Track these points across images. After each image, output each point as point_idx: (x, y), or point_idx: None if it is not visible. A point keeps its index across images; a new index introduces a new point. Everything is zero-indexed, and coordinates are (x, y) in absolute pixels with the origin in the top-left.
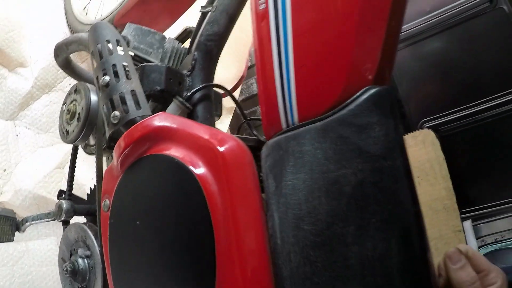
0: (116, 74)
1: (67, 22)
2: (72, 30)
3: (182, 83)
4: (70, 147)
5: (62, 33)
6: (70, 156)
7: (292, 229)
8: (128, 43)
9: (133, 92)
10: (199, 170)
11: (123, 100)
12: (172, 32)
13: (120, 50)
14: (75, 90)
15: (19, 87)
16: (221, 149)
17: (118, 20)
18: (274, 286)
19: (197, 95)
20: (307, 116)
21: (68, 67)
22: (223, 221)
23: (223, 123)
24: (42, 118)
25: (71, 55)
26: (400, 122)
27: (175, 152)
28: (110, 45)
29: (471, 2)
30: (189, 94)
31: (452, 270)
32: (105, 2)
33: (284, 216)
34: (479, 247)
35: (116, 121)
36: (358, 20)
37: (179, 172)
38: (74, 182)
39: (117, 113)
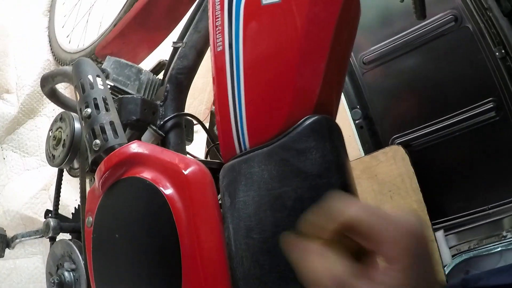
0: (96, 106)
1: (51, 49)
2: (56, 58)
3: (156, 113)
4: (55, 170)
5: (46, 61)
6: (55, 178)
7: (244, 238)
8: (107, 75)
9: (111, 123)
10: (167, 190)
11: (103, 130)
12: (148, 63)
13: (100, 84)
14: (60, 118)
15: (6, 112)
16: (185, 172)
17: (99, 51)
18: (230, 286)
19: (169, 123)
20: (257, 142)
21: (53, 96)
22: (187, 232)
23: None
24: (28, 142)
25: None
26: (340, 146)
27: (147, 174)
28: (91, 80)
29: (438, 22)
30: (161, 122)
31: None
32: (87, 31)
33: (237, 227)
34: (453, 256)
35: (97, 148)
36: (297, 60)
37: (150, 191)
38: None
39: (98, 141)
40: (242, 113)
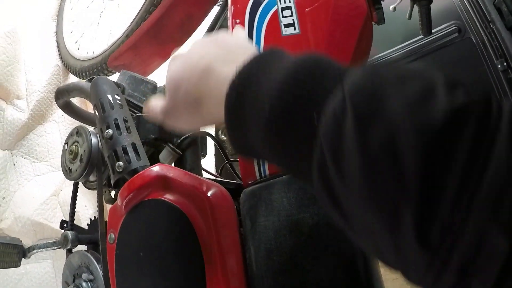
0: (117, 127)
1: (59, 55)
2: (65, 64)
3: (172, 131)
4: (63, 175)
5: (55, 66)
6: (64, 184)
7: (265, 259)
8: (123, 90)
9: (133, 145)
10: (191, 212)
11: (125, 151)
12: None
13: (119, 104)
14: (77, 132)
15: (16, 118)
16: (208, 194)
17: (111, 62)
18: None
19: (186, 141)
20: (276, 170)
21: (68, 107)
22: (210, 252)
23: None
24: (37, 148)
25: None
26: None
27: (171, 197)
28: (111, 99)
29: (441, 32)
30: (179, 141)
31: None
32: (97, 38)
33: (258, 249)
34: None
35: (120, 170)
36: None
37: (175, 214)
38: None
39: (121, 163)
40: None
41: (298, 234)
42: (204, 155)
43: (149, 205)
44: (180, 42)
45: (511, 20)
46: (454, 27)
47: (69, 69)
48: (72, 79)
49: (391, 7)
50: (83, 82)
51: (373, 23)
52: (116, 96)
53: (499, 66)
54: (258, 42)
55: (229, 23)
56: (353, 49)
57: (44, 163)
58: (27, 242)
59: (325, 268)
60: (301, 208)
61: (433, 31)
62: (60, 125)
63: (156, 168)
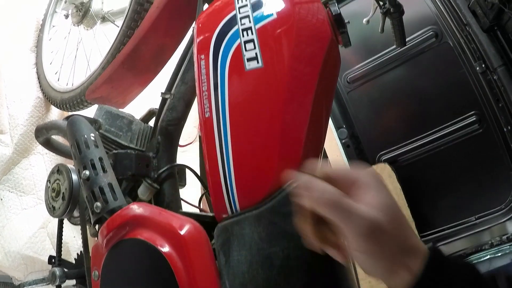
0: (94, 167)
1: (40, 87)
2: (46, 96)
3: (149, 165)
4: None
5: (37, 98)
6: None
7: None
8: (100, 126)
9: (110, 185)
10: (166, 250)
11: (102, 192)
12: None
13: (95, 144)
14: (58, 170)
15: (1, 153)
16: (182, 232)
17: (89, 95)
18: None
19: (163, 175)
20: (246, 205)
21: (48, 144)
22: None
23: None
24: (23, 181)
25: None
26: None
27: (147, 236)
28: (86, 139)
29: (419, 38)
30: (156, 175)
31: (311, 201)
32: (76, 69)
33: (232, 283)
34: None
35: (98, 211)
36: (281, 126)
37: (151, 252)
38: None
39: (98, 204)
40: (231, 178)
41: (270, 268)
42: (183, 186)
43: (127, 244)
44: (155, 71)
45: (487, 22)
46: (431, 33)
47: (50, 101)
48: (54, 110)
49: (364, 20)
50: (60, 121)
51: (340, 45)
52: (91, 136)
53: (477, 68)
54: (222, 79)
55: (194, 58)
56: (317, 77)
57: (31, 196)
58: (18, 276)
59: None
60: (271, 242)
61: (411, 37)
62: (45, 157)
63: (132, 208)
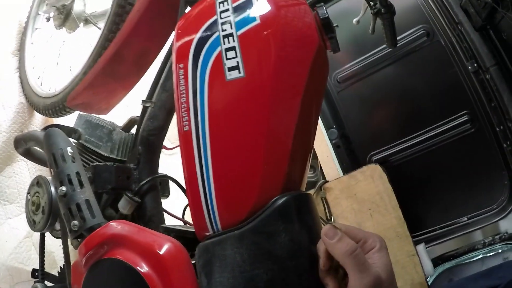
0: (70, 182)
1: (23, 92)
2: (29, 101)
3: (130, 177)
4: None
5: (20, 104)
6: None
7: None
8: (79, 136)
9: (87, 202)
10: (145, 270)
11: (79, 209)
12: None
13: (72, 157)
14: (37, 182)
15: None
16: (161, 252)
17: (70, 102)
18: None
19: (145, 187)
20: (228, 224)
21: (29, 154)
22: None
23: None
24: (7, 190)
25: None
26: (309, 219)
27: (126, 256)
28: (63, 153)
29: (410, 37)
30: (137, 188)
31: (332, 245)
32: (58, 73)
33: None
34: (436, 266)
35: (76, 229)
36: (264, 141)
37: (129, 273)
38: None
39: (76, 222)
40: (212, 196)
41: None
42: (167, 196)
43: (106, 264)
44: (138, 75)
45: (479, 21)
46: (423, 31)
47: (33, 107)
48: (38, 116)
49: (354, 20)
50: (38, 132)
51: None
52: (69, 149)
53: (469, 67)
54: (202, 90)
55: (173, 67)
56: (304, 86)
57: (15, 204)
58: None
59: None
60: (254, 264)
61: (401, 36)
62: (29, 164)
63: (110, 226)
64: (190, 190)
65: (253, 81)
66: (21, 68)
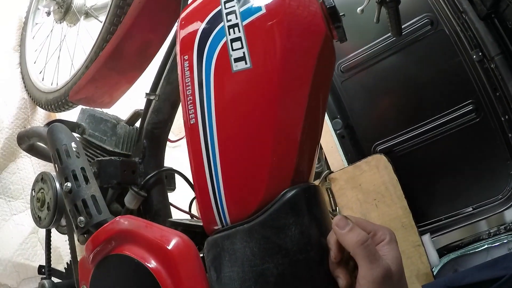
0: (75, 178)
1: (25, 87)
2: (31, 96)
3: (136, 172)
4: None
5: (22, 99)
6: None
7: None
8: (83, 131)
9: (93, 197)
10: (154, 266)
11: (85, 205)
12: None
13: (76, 153)
14: (42, 179)
15: None
16: (169, 247)
17: (73, 96)
18: None
19: (151, 181)
20: (237, 218)
21: (32, 150)
22: None
23: None
24: (11, 186)
25: None
26: (319, 212)
27: (134, 251)
28: (67, 148)
29: (414, 26)
30: (142, 182)
31: (343, 236)
32: (60, 68)
33: None
34: (441, 256)
35: (82, 225)
36: (272, 133)
37: (138, 269)
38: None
39: (82, 218)
40: (220, 189)
41: (264, 285)
42: (173, 189)
43: (113, 261)
44: (141, 68)
45: (484, 9)
46: (427, 20)
47: (35, 102)
48: (40, 112)
49: (358, 10)
50: (41, 128)
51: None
52: (73, 144)
53: (474, 56)
54: (208, 82)
55: (178, 59)
56: (311, 77)
57: (20, 200)
58: (11, 284)
59: None
60: (264, 258)
61: (405, 25)
62: (33, 160)
63: (117, 222)
64: (197, 184)
65: (260, 72)
66: (22, 63)
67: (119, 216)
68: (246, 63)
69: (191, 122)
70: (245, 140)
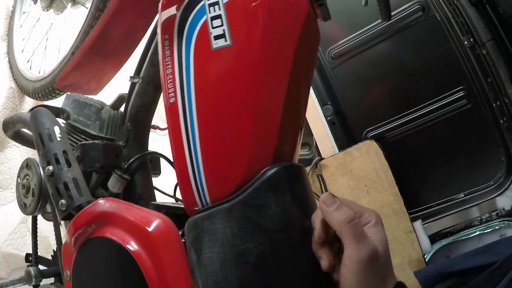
0: (57, 162)
1: (12, 76)
2: (19, 85)
3: (119, 155)
4: None
5: (10, 88)
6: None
7: None
8: (68, 116)
9: (74, 180)
10: (134, 248)
11: (67, 188)
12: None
13: (59, 136)
14: (27, 165)
15: None
16: (149, 229)
17: (59, 83)
18: None
19: (134, 165)
20: (217, 197)
21: (18, 137)
22: None
23: None
24: (0, 176)
25: None
26: (302, 191)
27: (114, 234)
28: (50, 132)
29: (405, 12)
30: (126, 166)
31: (330, 213)
32: (47, 56)
33: (205, 282)
34: (433, 243)
35: (64, 208)
36: (252, 109)
37: (119, 251)
38: (38, 235)
39: (63, 201)
40: (200, 169)
41: (244, 265)
42: (158, 174)
43: (95, 243)
44: (127, 53)
45: None
46: (418, 6)
47: (23, 91)
48: (28, 100)
49: None
50: (25, 114)
51: (319, 19)
52: (55, 128)
53: (466, 42)
54: (187, 60)
55: (159, 39)
56: (293, 54)
57: (9, 190)
58: (1, 274)
59: None
60: (244, 238)
61: (396, 11)
62: (21, 149)
63: (98, 204)
64: (177, 164)
65: (239, 49)
66: (10, 52)
67: (100, 198)
68: (226, 40)
69: (171, 101)
70: (224, 118)
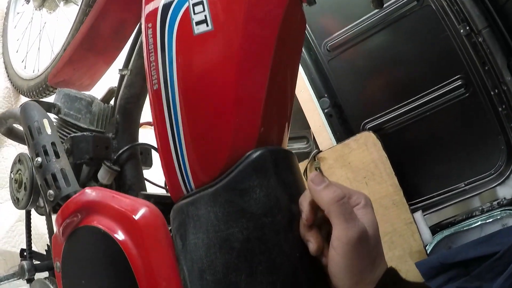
0: (46, 153)
1: (8, 76)
2: (14, 85)
3: (109, 147)
4: None
5: (5, 88)
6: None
7: (198, 279)
8: (59, 110)
9: (63, 171)
10: (121, 237)
11: (55, 178)
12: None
13: (48, 129)
14: (19, 160)
15: None
16: (136, 217)
17: (52, 80)
18: None
19: (124, 156)
20: (202, 182)
21: (11, 134)
22: (144, 277)
23: None
24: None
25: None
26: (288, 175)
27: (101, 222)
28: (39, 125)
29: (400, 2)
30: (115, 157)
31: (318, 192)
32: (41, 55)
33: (191, 269)
34: (434, 234)
35: (52, 199)
36: (234, 92)
37: (105, 240)
38: (35, 233)
39: (51, 191)
40: (183, 154)
41: (229, 251)
42: (150, 166)
43: (82, 232)
44: (118, 48)
45: None
46: None
47: (18, 90)
48: (24, 100)
49: None
50: (15, 109)
51: (304, 4)
52: (45, 121)
53: (461, 31)
54: (170, 47)
55: (142, 28)
56: (276, 39)
57: (6, 189)
58: None
59: (260, 285)
60: (229, 222)
61: (391, 1)
62: (18, 148)
63: (85, 193)
64: (162, 150)
65: (221, 34)
66: (4, 53)
67: (87, 188)
68: (207, 25)
69: (154, 88)
70: (207, 102)
